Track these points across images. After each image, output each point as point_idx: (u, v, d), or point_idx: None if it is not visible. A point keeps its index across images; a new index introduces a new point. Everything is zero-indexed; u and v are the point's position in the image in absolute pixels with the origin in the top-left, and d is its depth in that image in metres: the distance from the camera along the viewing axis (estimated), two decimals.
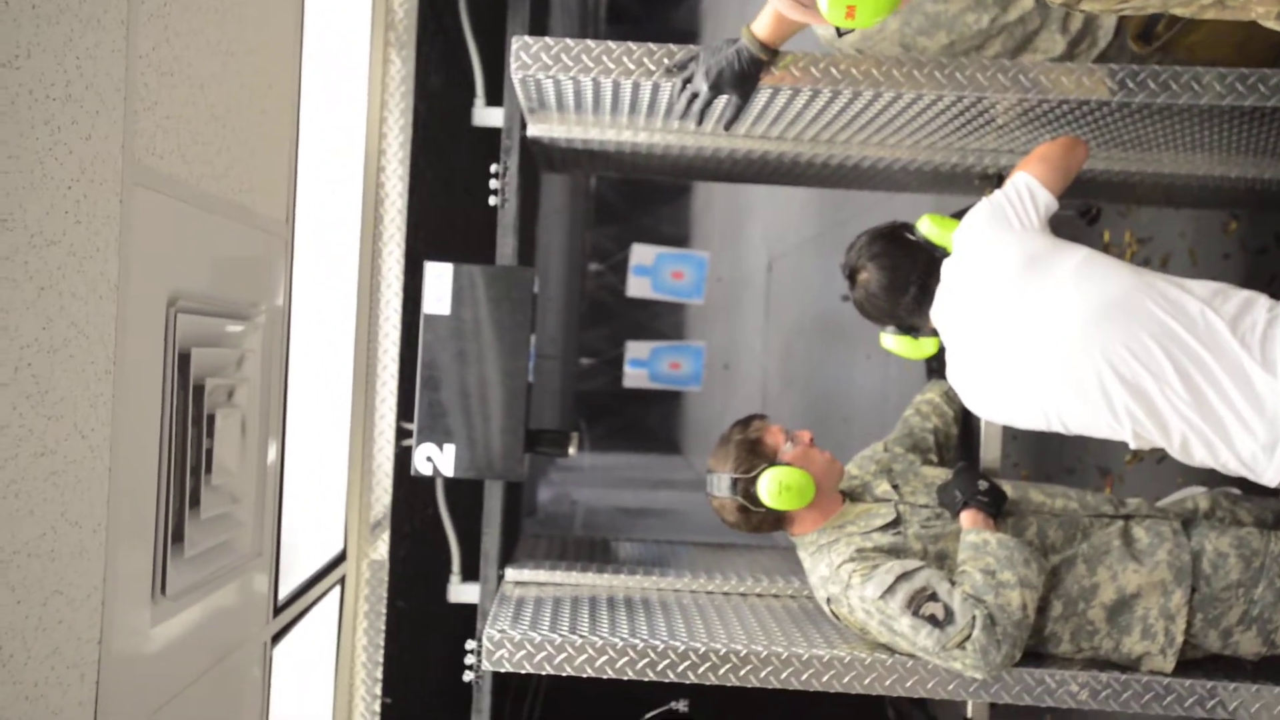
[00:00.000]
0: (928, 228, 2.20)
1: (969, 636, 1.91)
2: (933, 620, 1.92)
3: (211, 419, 1.62)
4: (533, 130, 2.51)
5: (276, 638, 2.02)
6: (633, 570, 2.65)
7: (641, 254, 6.71)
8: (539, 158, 2.84)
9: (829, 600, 2.10)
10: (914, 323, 2.23)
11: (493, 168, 2.59)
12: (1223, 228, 3.18)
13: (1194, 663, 2.10)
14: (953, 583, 1.98)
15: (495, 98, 2.67)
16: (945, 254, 2.17)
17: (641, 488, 10.13)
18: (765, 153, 2.56)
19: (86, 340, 1.23)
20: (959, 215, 2.21)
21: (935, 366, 2.50)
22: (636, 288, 6.73)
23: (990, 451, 2.51)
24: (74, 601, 1.24)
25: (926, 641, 1.93)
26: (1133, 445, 1.97)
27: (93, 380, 1.25)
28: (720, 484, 2.17)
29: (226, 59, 1.58)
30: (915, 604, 1.93)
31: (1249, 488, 2.11)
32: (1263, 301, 1.90)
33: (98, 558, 1.29)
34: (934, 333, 2.22)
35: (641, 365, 7.38)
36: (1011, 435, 3.14)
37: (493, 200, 2.61)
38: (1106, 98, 2.04)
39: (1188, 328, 1.88)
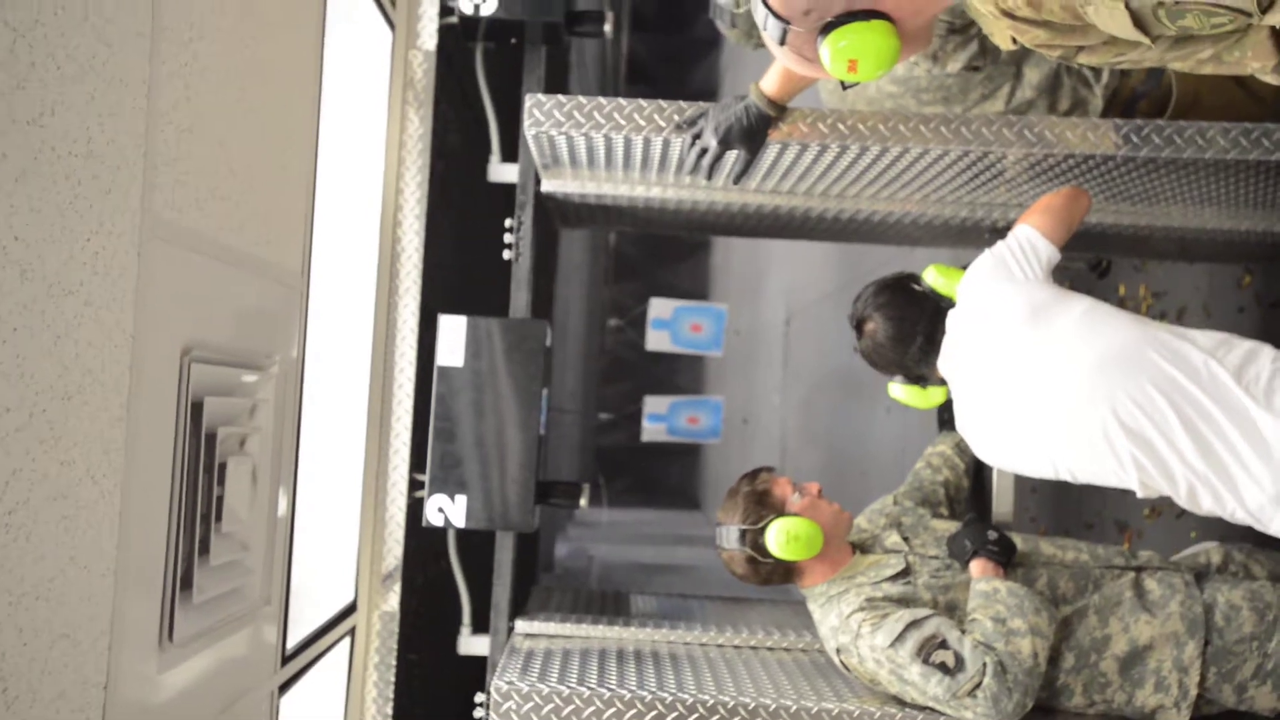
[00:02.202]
0: (934, 278, 2.22)
1: (980, 684, 1.89)
2: (943, 668, 1.90)
3: (223, 467, 1.64)
4: (547, 186, 2.56)
5: (284, 687, 2.03)
6: (643, 623, 2.63)
7: (660, 308, 6.75)
8: (554, 213, 2.88)
9: (839, 650, 2.09)
10: (921, 372, 2.24)
11: (507, 222, 2.64)
12: (1237, 282, 3.18)
13: (1210, 718, 2.07)
14: (963, 631, 1.96)
15: (510, 154, 2.72)
16: (951, 304, 2.19)
17: (660, 544, 10.07)
18: (776, 207, 2.59)
19: (101, 388, 1.26)
20: (966, 267, 2.23)
21: (946, 418, 2.50)
22: (655, 341, 6.76)
23: (1002, 504, 2.50)
24: (81, 646, 1.25)
25: (937, 690, 1.91)
26: (1140, 494, 1.96)
27: (106, 427, 1.27)
28: (729, 536, 2.17)
29: (246, 116, 1.63)
30: (925, 652, 1.92)
31: (1261, 540, 2.09)
32: (1267, 351, 1.90)
33: (106, 602, 1.30)
34: (942, 382, 2.23)
35: (660, 420, 7.38)
36: (1030, 488, 3.12)
37: (507, 254, 2.65)
38: (1112, 152, 2.07)
39: (1191, 377, 1.88)
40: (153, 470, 1.41)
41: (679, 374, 11.74)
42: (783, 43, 1.53)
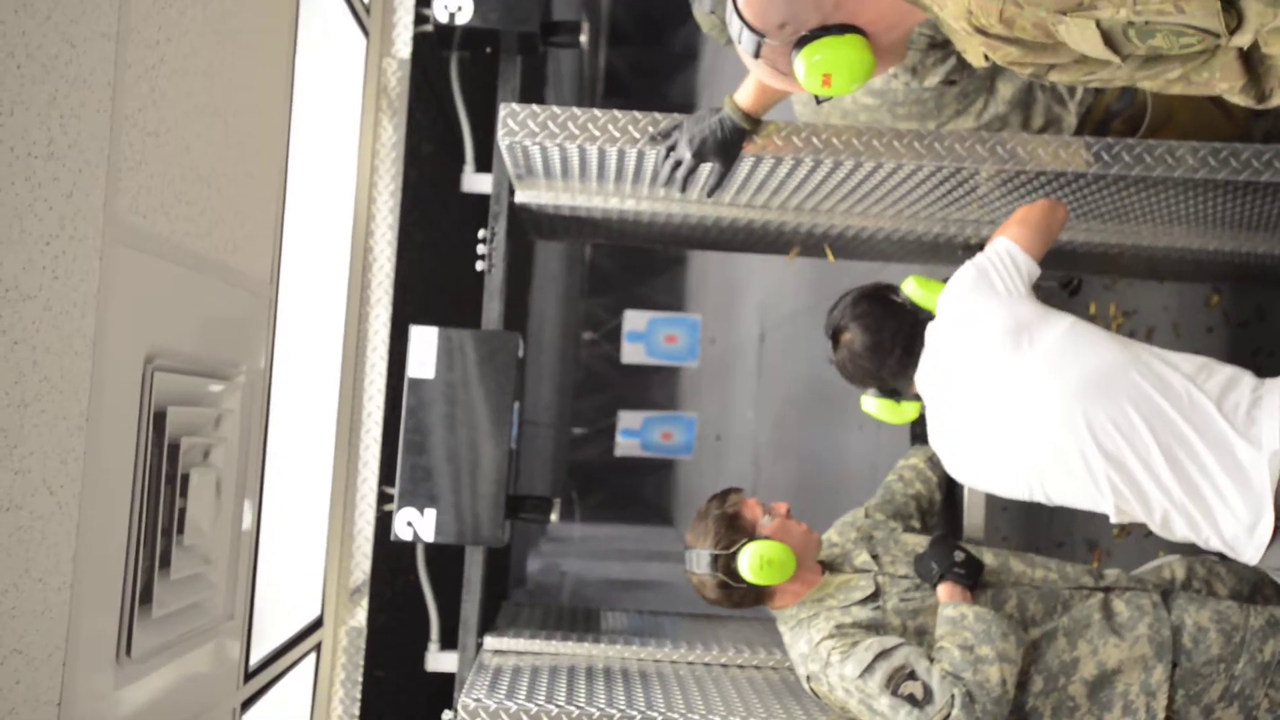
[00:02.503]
0: (913, 289, 2.20)
1: (948, 716, 1.87)
2: (911, 699, 1.88)
3: (186, 478, 1.61)
4: (521, 196, 2.54)
5: (247, 704, 1.99)
6: (613, 640, 2.61)
7: (634, 320, 6.75)
8: (528, 224, 2.87)
9: (809, 678, 2.07)
10: (896, 386, 2.22)
11: (480, 233, 2.62)
12: (1206, 301, 3.21)
13: None
14: (931, 659, 1.95)
15: (485, 164, 2.71)
16: (930, 317, 2.17)
17: (632, 559, 10.03)
18: (750, 221, 2.59)
19: (59, 395, 1.23)
20: (945, 280, 2.22)
21: (919, 432, 2.49)
22: (631, 354, 6.76)
23: (973, 519, 2.50)
24: (34, 661, 1.22)
25: None
26: (1114, 519, 1.96)
27: (64, 436, 1.24)
28: (700, 561, 2.14)
29: (214, 121, 1.61)
30: (894, 683, 1.90)
31: (1225, 555, 2.10)
32: (1247, 380, 1.90)
33: (61, 617, 1.27)
34: (916, 397, 2.21)
35: (634, 435, 7.37)
36: (1001, 507, 3.12)
37: (480, 265, 2.63)
38: (1083, 169, 2.08)
39: (1173, 403, 1.87)
40: (112, 481, 1.38)
41: (653, 388, 11.73)
42: (757, 55, 1.52)
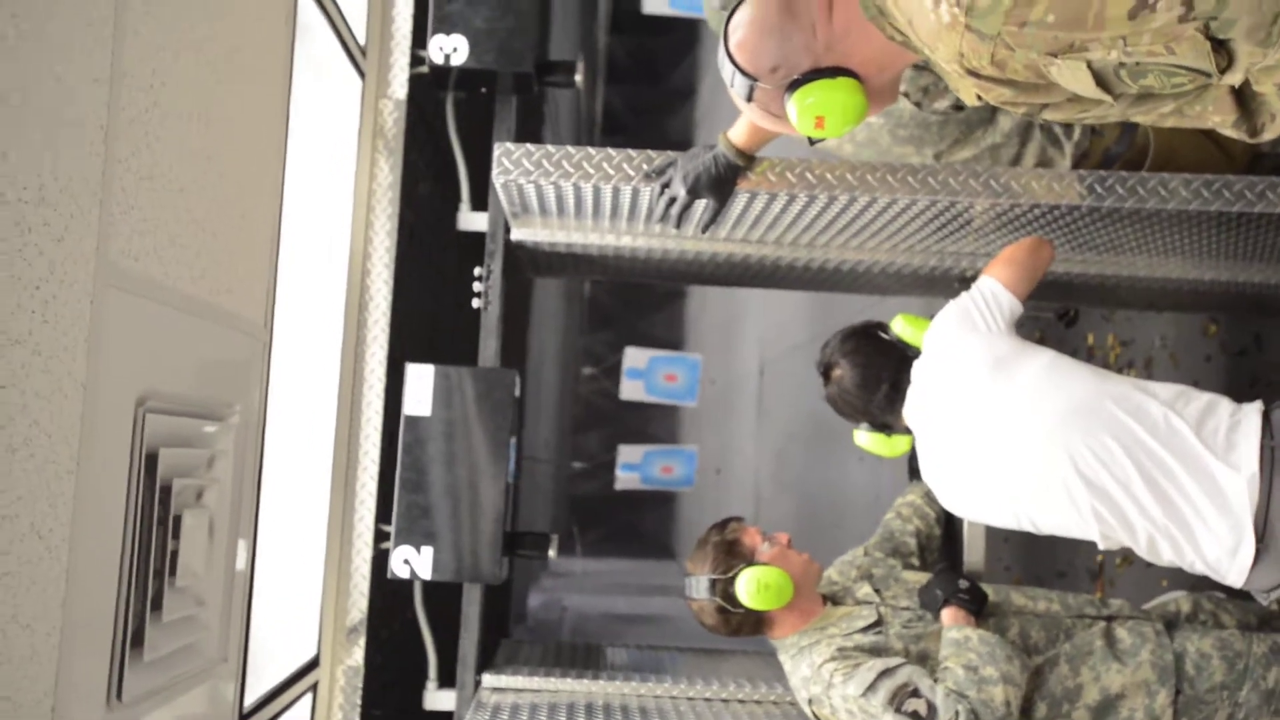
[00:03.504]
0: (901, 327, 2.24)
1: None
2: (915, 716, 1.88)
3: (178, 520, 1.60)
4: (516, 234, 2.55)
5: None
6: (614, 676, 2.59)
7: (634, 357, 6.74)
8: (525, 261, 2.87)
9: (810, 701, 2.06)
10: (886, 420, 2.24)
11: (477, 271, 2.63)
12: (1203, 331, 3.22)
13: None
14: (935, 679, 1.94)
15: (481, 203, 2.72)
16: (917, 353, 2.20)
17: (634, 593, 9.97)
18: (746, 256, 2.59)
19: (49, 439, 1.22)
20: (934, 317, 2.23)
21: (916, 467, 2.49)
22: (630, 391, 6.74)
23: (973, 554, 2.48)
24: (22, 708, 1.20)
25: None
26: (1101, 546, 1.96)
27: (53, 480, 1.24)
28: (698, 586, 2.14)
29: (208, 164, 1.62)
30: (898, 701, 1.90)
31: (1231, 590, 2.09)
32: (1225, 405, 1.91)
33: (50, 662, 1.26)
34: (907, 431, 2.22)
35: (634, 469, 7.34)
36: (1003, 538, 3.11)
37: (476, 303, 2.63)
38: (1077, 202, 2.08)
39: (1150, 431, 1.89)
40: (103, 524, 1.37)
41: (653, 423, 11.72)
42: (750, 99, 1.53)
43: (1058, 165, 2.34)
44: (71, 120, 1.23)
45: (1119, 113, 1.46)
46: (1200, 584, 2.26)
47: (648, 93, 12.10)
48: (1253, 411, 1.88)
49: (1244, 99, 1.39)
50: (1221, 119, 1.42)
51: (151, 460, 1.50)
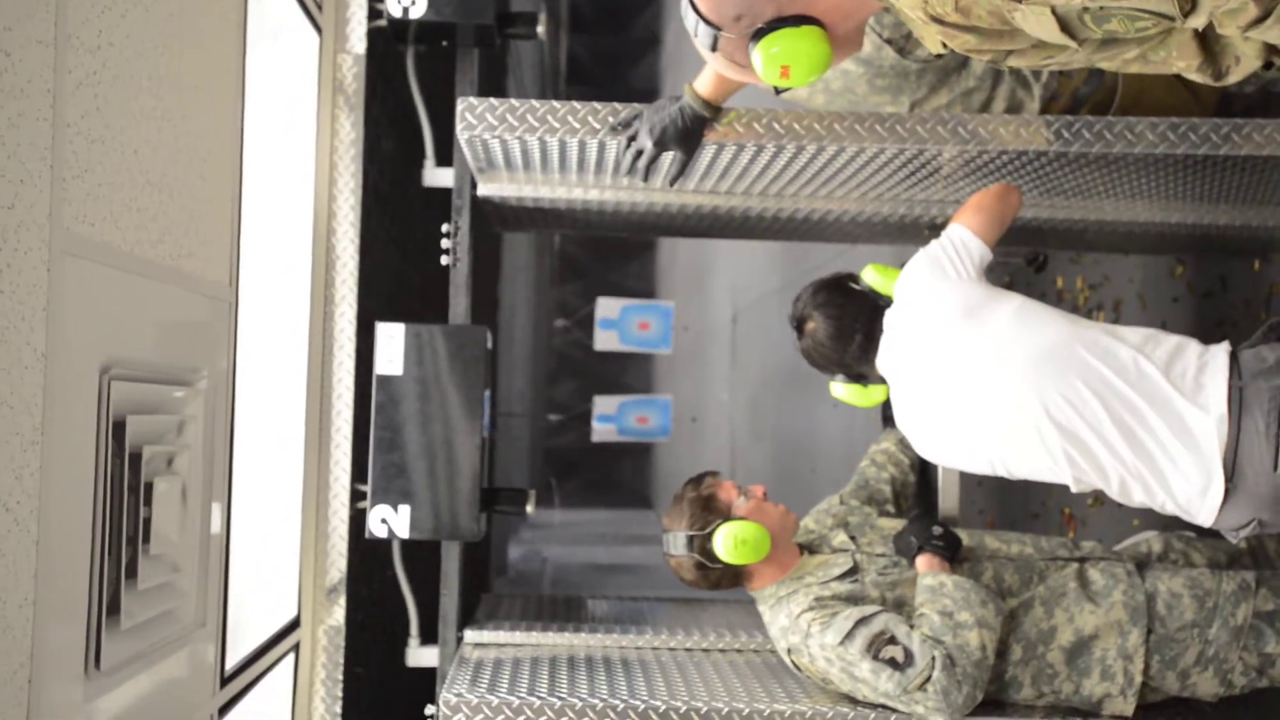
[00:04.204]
0: (872, 277, 2.24)
1: (929, 678, 1.90)
2: (892, 663, 1.91)
3: (150, 487, 1.59)
4: (483, 190, 2.52)
5: (225, 708, 1.98)
6: (594, 629, 2.61)
7: (607, 307, 6.72)
8: (492, 217, 2.85)
9: (789, 650, 2.09)
10: (861, 371, 2.25)
11: (444, 228, 2.60)
12: (1170, 273, 3.24)
13: (1154, 706, 2.10)
14: (911, 626, 1.97)
15: (445, 158, 2.68)
16: (889, 302, 2.20)
17: (612, 543, 10.04)
18: (715, 207, 2.58)
19: (11, 411, 1.21)
20: (904, 265, 2.23)
21: (890, 414, 2.51)
22: (604, 341, 6.72)
23: (948, 500, 2.51)
24: None
25: (887, 685, 1.92)
26: (1074, 489, 1.99)
27: (18, 451, 1.22)
28: (676, 542, 2.16)
29: (162, 125, 1.58)
30: (875, 648, 1.93)
31: (1201, 529, 2.13)
32: (1193, 347, 1.93)
33: (24, 634, 1.25)
34: (882, 380, 2.23)
35: (609, 420, 7.35)
36: (976, 482, 3.15)
37: (445, 260, 2.61)
38: (1044, 148, 2.08)
39: (1120, 374, 1.91)
40: (72, 494, 1.36)
41: (627, 373, 11.73)
42: (714, 49, 1.51)
43: (1027, 107, 2.33)
44: (16, 86, 1.19)
45: (1083, 59, 1.45)
46: (1173, 524, 2.30)
47: (612, 41, 11.94)
48: (1220, 352, 1.90)
49: (1208, 43, 1.38)
50: (1186, 64, 1.42)
51: (119, 428, 1.48)
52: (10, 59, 1.17)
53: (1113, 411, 1.90)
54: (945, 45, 1.44)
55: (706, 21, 1.48)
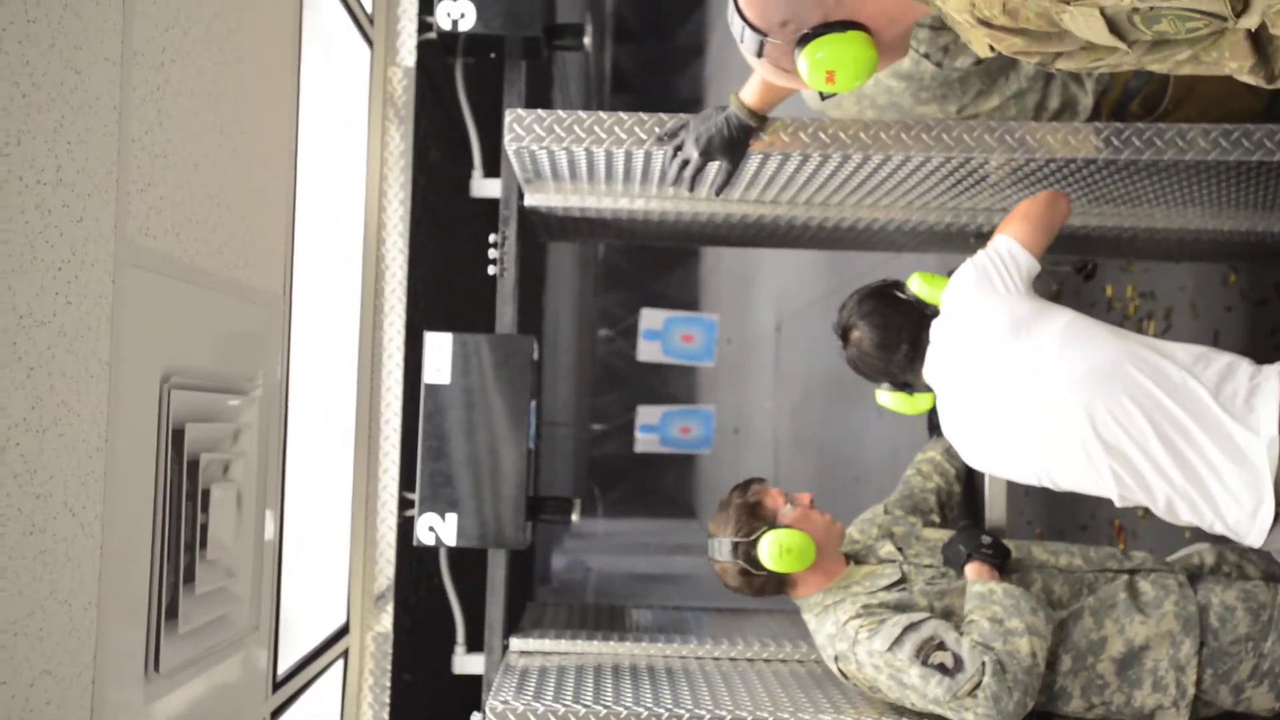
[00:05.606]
0: (918, 286, 2.23)
1: (979, 684, 1.88)
2: (942, 669, 1.89)
3: (207, 494, 1.63)
4: (530, 200, 2.55)
5: (277, 713, 2.01)
6: (639, 638, 2.62)
7: (651, 318, 6.73)
8: (539, 226, 2.87)
9: (836, 658, 2.08)
10: (907, 379, 2.24)
11: (491, 237, 2.63)
12: (1223, 280, 3.19)
13: None
14: (960, 633, 1.96)
15: (493, 169, 2.71)
16: (935, 312, 2.19)
17: (656, 553, 10.04)
18: (761, 216, 2.58)
19: (77, 419, 1.24)
20: (951, 273, 2.22)
21: (936, 423, 2.49)
22: (647, 352, 6.74)
23: (995, 511, 2.49)
24: (63, 681, 1.23)
25: (937, 691, 1.90)
26: (1118, 504, 1.97)
27: (83, 458, 1.26)
28: (721, 548, 2.16)
29: (221, 139, 1.62)
30: (924, 653, 1.91)
31: None
32: (1245, 367, 1.90)
33: (88, 636, 1.29)
34: (928, 388, 2.22)
35: (652, 430, 7.35)
36: (1024, 492, 3.11)
37: (492, 270, 2.64)
38: (1093, 155, 2.06)
39: (1169, 393, 1.89)
40: (134, 500, 1.40)
41: (671, 383, 11.73)
42: (760, 55, 1.52)
43: (1081, 103, 2.31)
44: (84, 102, 1.23)
45: (1134, 60, 1.44)
46: (1224, 538, 2.26)
47: (657, 50, 11.98)
48: (1273, 374, 1.87)
49: (1260, 43, 1.36)
50: (1238, 65, 1.40)
51: (178, 436, 1.52)
52: (80, 76, 1.21)
53: (1160, 431, 1.88)
54: (993, 48, 1.43)
55: (752, 27, 1.49)
